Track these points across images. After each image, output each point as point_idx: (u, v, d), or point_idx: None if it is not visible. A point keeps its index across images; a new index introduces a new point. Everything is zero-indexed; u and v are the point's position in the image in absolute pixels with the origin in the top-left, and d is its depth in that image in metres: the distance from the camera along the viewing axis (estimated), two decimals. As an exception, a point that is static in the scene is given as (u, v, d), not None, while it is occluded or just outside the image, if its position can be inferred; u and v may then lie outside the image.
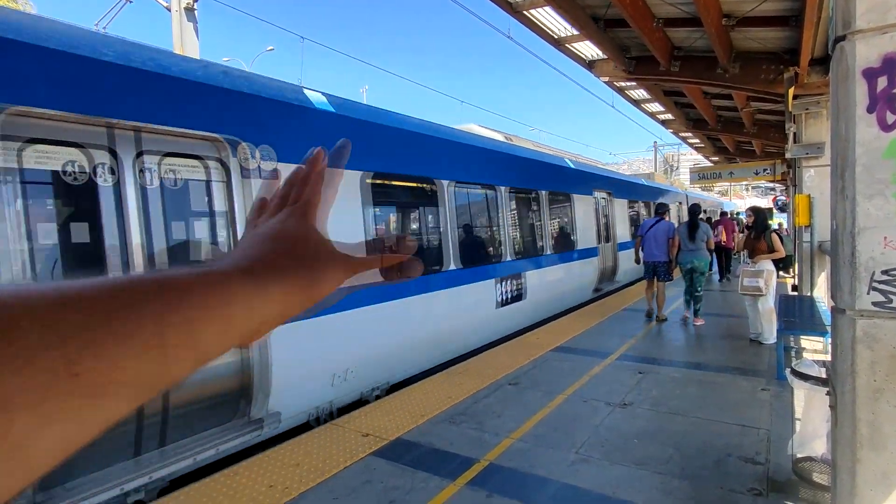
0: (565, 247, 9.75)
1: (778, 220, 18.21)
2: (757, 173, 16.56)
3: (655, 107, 13.65)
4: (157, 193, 3.48)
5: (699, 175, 17.98)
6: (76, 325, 0.26)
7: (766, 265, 6.62)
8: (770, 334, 6.43)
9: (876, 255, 2.00)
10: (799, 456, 3.08)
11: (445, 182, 6.46)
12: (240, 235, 2.38)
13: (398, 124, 6.00)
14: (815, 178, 8.07)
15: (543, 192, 9.00)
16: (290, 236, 0.43)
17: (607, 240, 11.86)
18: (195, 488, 3.24)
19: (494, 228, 7.67)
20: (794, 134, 8.23)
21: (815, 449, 3.02)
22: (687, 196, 16.83)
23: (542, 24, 7.74)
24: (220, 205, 3.85)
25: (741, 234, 11.77)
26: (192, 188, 3.75)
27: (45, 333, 0.25)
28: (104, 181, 3.23)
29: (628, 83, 10.74)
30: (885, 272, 1.99)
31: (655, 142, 37.98)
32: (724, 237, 13.13)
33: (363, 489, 3.20)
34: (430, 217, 6.45)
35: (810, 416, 3.02)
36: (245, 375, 3.87)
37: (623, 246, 12.48)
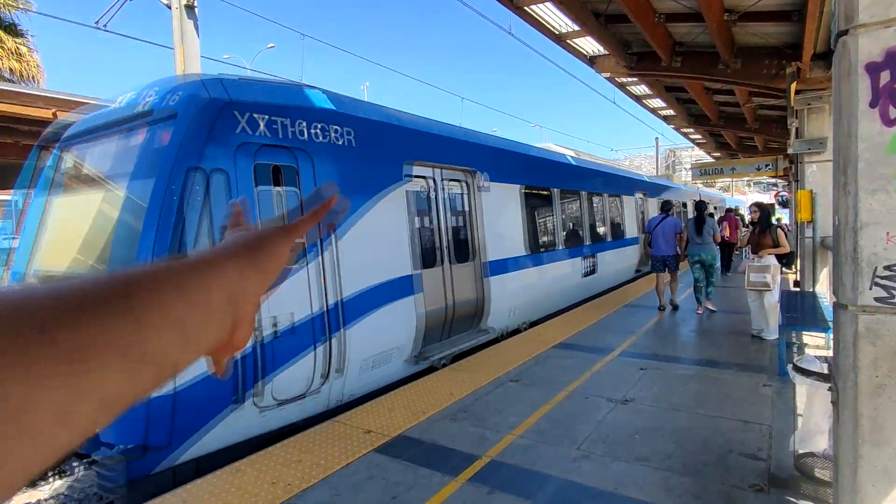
0: (619, 236, 12.46)
1: (778, 216, 18.33)
2: (759, 169, 16.51)
3: (657, 102, 13.61)
4: (447, 197, 6.67)
5: (701, 171, 17.93)
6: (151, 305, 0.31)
7: (772, 260, 6.62)
8: (773, 330, 6.43)
9: (878, 251, 2.00)
10: (801, 452, 3.08)
11: (556, 190, 9.40)
12: (477, 225, 7.01)
13: (536, 153, 9.42)
14: (818, 174, 8.04)
15: (606, 195, 11.87)
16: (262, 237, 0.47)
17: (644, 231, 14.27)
18: (198, 485, 3.25)
19: (581, 222, 10.44)
20: (797, 129, 8.20)
21: (817, 444, 3.02)
22: (700, 194, 18.97)
23: (543, 19, 7.71)
24: (469, 203, 7.06)
25: (745, 230, 11.78)
26: (460, 195, 6.99)
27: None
28: (432, 192, 6.39)
29: (630, 79, 10.71)
30: (887, 268, 1.99)
31: (657, 138, 37.87)
32: (727, 232, 13.28)
33: (365, 485, 3.21)
34: (548, 214, 9.23)
35: (812, 411, 3.02)
36: (478, 307, 6.96)
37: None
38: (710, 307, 8.51)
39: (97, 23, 8.74)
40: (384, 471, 3.38)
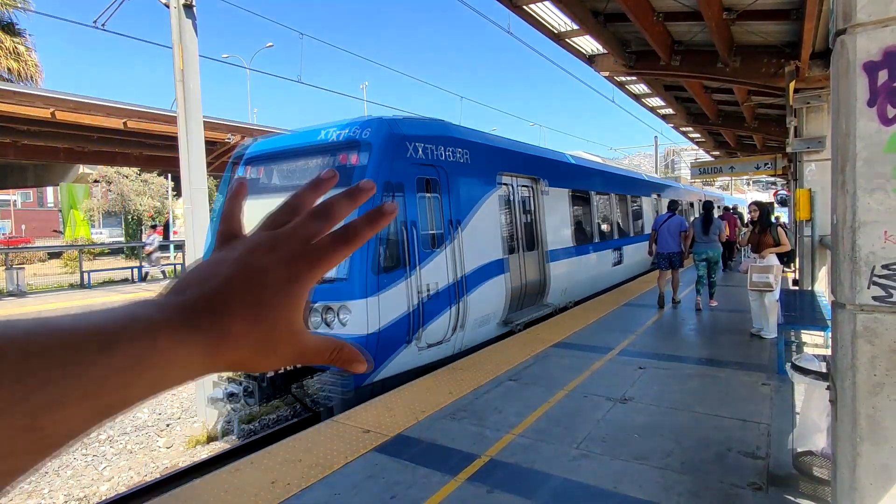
0: (639, 231, 14.06)
1: (776, 215, 18.55)
2: (758, 168, 16.52)
3: (656, 101, 13.60)
4: (521, 199, 8.39)
5: (700, 170, 17.94)
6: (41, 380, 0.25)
7: (773, 260, 6.63)
8: (772, 328, 6.44)
9: (876, 250, 2.00)
10: (799, 450, 3.09)
11: (592, 193, 11.09)
12: (540, 221, 8.99)
13: (577, 162, 11.20)
14: (816, 173, 8.05)
15: (629, 196, 13.67)
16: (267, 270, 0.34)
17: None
18: (197, 486, 3.26)
19: (611, 219, 12.21)
20: (795, 128, 8.20)
21: (816, 443, 3.02)
22: (704, 194, 21.27)
23: (542, 18, 7.71)
24: (534, 204, 8.72)
25: (745, 229, 11.82)
26: (528, 197, 8.63)
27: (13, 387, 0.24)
28: (512, 195, 8.03)
29: (628, 78, 10.70)
30: (885, 266, 1.99)
31: (656, 136, 37.87)
32: (727, 231, 13.33)
33: (364, 485, 3.21)
34: (587, 213, 10.89)
35: (810, 410, 3.02)
36: (541, 286, 8.54)
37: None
38: (713, 304, 8.89)
39: (95, 22, 8.73)
40: (383, 470, 3.39)
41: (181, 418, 7.98)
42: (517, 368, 5.56)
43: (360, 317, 5.14)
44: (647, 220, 14.61)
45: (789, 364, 3.16)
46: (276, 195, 6.00)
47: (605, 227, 11.85)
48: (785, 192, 25.34)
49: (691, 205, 18.90)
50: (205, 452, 6.57)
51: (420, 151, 6.08)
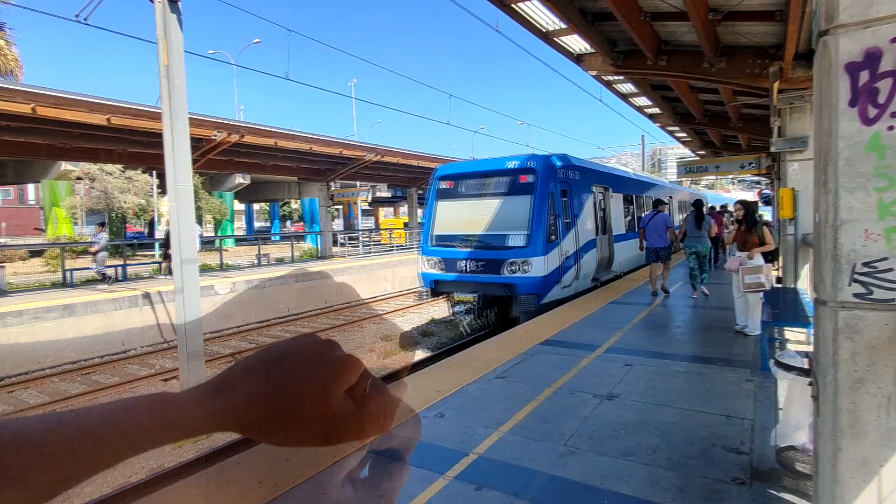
0: None
1: (760, 213, 19.28)
2: (742, 167, 16.71)
3: (643, 101, 13.69)
4: (601, 201, 12.40)
5: (686, 169, 18.10)
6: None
7: (759, 259, 6.72)
8: (756, 325, 6.53)
9: (857, 248, 2.03)
10: (782, 445, 3.13)
11: (634, 195, 15.51)
12: (609, 215, 13.80)
13: (626, 175, 15.74)
14: (799, 172, 8.18)
15: (652, 197, 15.85)
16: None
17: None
18: (183, 488, 3.22)
19: (639, 215, 14.97)
20: (779, 128, 8.31)
21: (798, 438, 3.07)
22: (704, 196, 25.12)
23: (530, 17, 7.72)
24: (605, 204, 12.69)
25: (731, 227, 12.03)
26: (603, 199, 12.55)
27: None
28: (596, 198, 11.97)
29: (616, 77, 10.77)
30: (865, 264, 2.02)
31: (643, 136, 38.20)
32: (715, 228, 13.83)
33: (352, 482, 3.20)
34: (632, 209, 15.30)
35: (793, 406, 3.07)
36: (610, 258, 12.75)
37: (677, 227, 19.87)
38: (705, 291, 9.85)
39: (77, 16, 8.58)
40: (371, 468, 3.37)
41: (166, 418, 7.89)
42: (505, 366, 5.57)
43: (539, 267, 9.31)
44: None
45: (773, 361, 3.21)
46: (470, 200, 10.71)
47: (638, 220, 14.96)
48: (769, 192, 26.18)
49: (657, 200, 23.23)
50: (192, 453, 6.51)
51: (559, 174, 10.21)
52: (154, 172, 26.94)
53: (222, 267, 19.98)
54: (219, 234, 38.71)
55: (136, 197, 29.24)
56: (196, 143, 15.74)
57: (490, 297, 10.24)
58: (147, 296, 12.70)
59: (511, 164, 10.14)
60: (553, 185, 9.76)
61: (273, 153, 19.41)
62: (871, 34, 1.99)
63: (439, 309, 16.66)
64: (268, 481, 3.21)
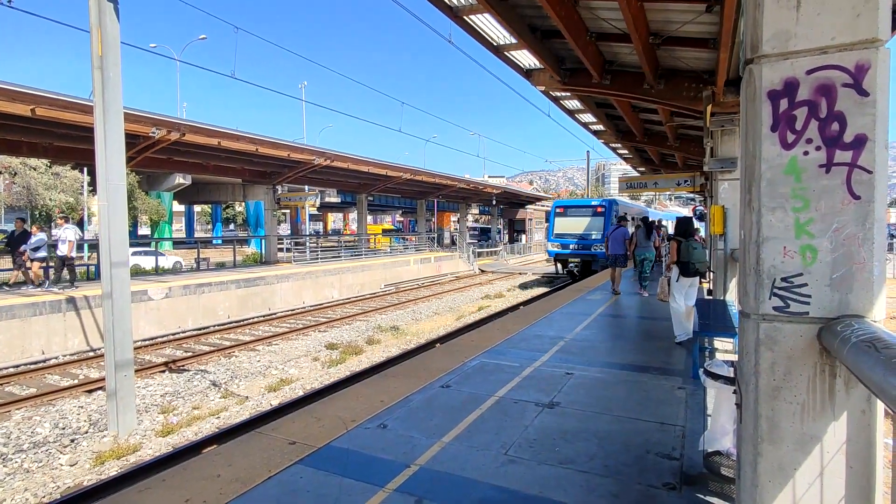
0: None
1: (693, 227, 21.74)
2: (679, 184, 17.65)
3: (588, 117, 14.20)
4: (634, 224, 17.41)
5: (627, 184, 18.90)
6: None
7: (674, 272, 7.13)
8: (679, 332, 7.03)
9: (777, 264, 2.17)
10: (709, 451, 3.28)
11: (636, 216, 22.94)
12: (636, 233, 15.00)
13: (637, 206, 32.46)
14: (729, 191, 8.70)
15: (655, 219, 20.32)
16: None
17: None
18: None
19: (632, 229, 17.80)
20: (712, 148, 8.82)
21: (724, 444, 3.23)
22: (665, 217, 31.72)
23: (482, 30, 7.84)
24: (633, 226, 15.86)
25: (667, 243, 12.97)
26: (630, 223, 15.26)
27: None
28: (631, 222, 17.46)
29: (563, 93, 11.11)
30: (784, 279, 2.16)
31: (588, 151, 39.65)
32: (658, 241, 15.55)
33: (288, 500, 3.08)
34: (634, 223, 17.49)
35: (720, 413, 3.23)
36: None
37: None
38: (646, 294, 11.77)
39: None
40: (309, 483, 3.26)
41: (88, 433, 7.36)
42: (450, 375, 5.57)
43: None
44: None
45: (702, 369, 3.36)
46: (574, 218, 22.90)
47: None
48: (702, 208, 28.55)
49: (620, 217, 27.73)
50: (114, 469, 6.09)
51: (613, 209, 22.24)
52: (85, 169, 25.29)
53: (157, 271, 18.98)
54: (155, 236, 36.80)
55: (64, 195, 27.35)
56: (132, 139, 14.94)
57: (583, 262, 21.72)
58: (72, 300, 11.86)
59: (594, 202, 23.83)
60: (612, 214, 21.38)
61: (216, 153, 18.70)
62: (789, 65, 2.14)
63: (387, 317, 16.49)
64: (195, 499, 3.04)
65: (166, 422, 8.04)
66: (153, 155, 17.02)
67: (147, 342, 12.70)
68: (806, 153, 2.12)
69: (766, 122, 2.18)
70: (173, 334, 13.90)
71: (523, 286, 24.79)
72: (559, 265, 23.46)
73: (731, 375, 3.19)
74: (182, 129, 15.26)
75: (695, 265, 6.82)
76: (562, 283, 21.72)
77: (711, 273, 11.35)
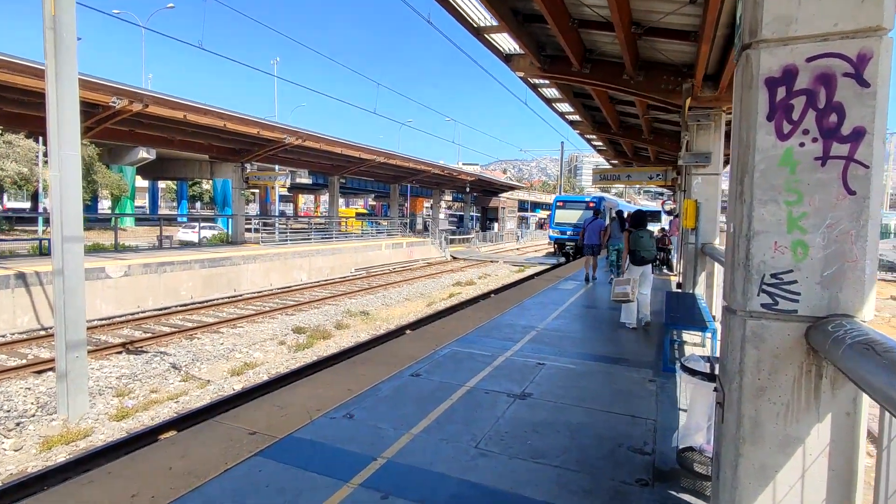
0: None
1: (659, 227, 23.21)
2: (651, 178, 17.81)
3: (565, 107, 14.13)
4: (611, 212, 23.16)
5: (600, 176, 19.00)
6: None
7: (632, 272, 7.39)
8: (626, 318, 7.58)
9: (767, 259, 2.08)
10: (682, 447, 3.24)
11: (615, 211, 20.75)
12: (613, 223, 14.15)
13: (616, 201, 33.74)
14: (702, 185, 8.76)
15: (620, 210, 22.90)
16: None
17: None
18: (42, 498, 2.75)
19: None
20: (688, 142, 8.85)
21: (697, 440, 3.19)
22: (643, 208, 34.54)
23: (462, 9, 7.61)
24: (610, 217, 17.25)
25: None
26: (610, 211, 23.45)
27: None
28: (609, 212, 24.17)
29: (542, 81, 10.98)
30: (773, 275, 2.08)
31: (563, 142, 39.85)
32: None
33: (245, 494, 2.90)
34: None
35: (695, 409, 3.19)
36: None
37: None
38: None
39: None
40: (269, 477, 3.09)
41: (36, 416, 6.97)
42: (421, 363, 5.44)
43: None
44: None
45: (679, 364, 3.31)
46: (570, 210, 27.80)
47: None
48: (672, 203, 30.05)
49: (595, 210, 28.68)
50: (62, 455, 5.77)
51: (602, 203, 25.46)
52: (40, 139, 23.97)
53: (117, 248, 18.20)
54: (117, 211, 35.33)
55: (17, 164, 25.92)
56: (90, 108, 14.15)
57: (576, 245, 21.23)
58: (21, 276, 11.22)
59: (587, 199, 28.36)
60: (602, 208, 22.53)
61: (182, 127, 17.95)
62: (789, 52, 2.03)
63: (356, 301, 16.25)
64: (143, 494, 2.83)
65: (121, 405, 7.70)
66: (114, 126, 16.21)
67: (104, 322, 12.16)
68: (802, 144, 2.03)
69: (762, 111, 2.08)
70: (132, 314, 13.36)
71: (495, 274, 24.84)
72: (557, 247, 29.11)
73: (708, 371, 3.15)
74: (145, 99, 14.53)
75: (640, 253, 7.33)
76: (534, 273, 22.07)
77: (679, 266, 11.94)
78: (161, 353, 10.31)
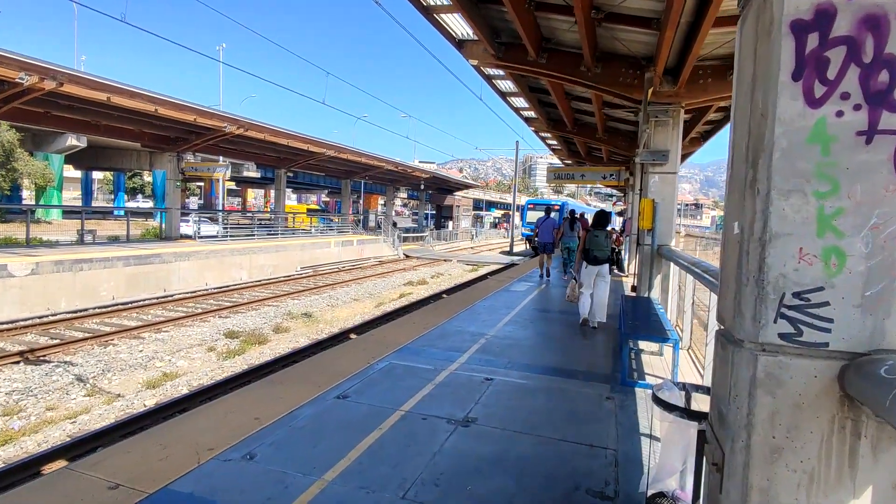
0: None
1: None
2: (604, 178, 17.69)
3: (521, 102, 13.67)
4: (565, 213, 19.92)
5: (555, 175, 18.74)
6: None
7: (585, 272, 7.39)
8: (582, 310, 7.52)
9: (788, 272, 1.50)
10: (652, 492, 2.68)
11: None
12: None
13: (566, 202, 33.33)
14: (659, 184, 8.41)
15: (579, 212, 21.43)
16: None
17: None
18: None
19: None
20: (648, 136, 8.48)
21: (670, 485, 2.64)
22: (588, 210, 33.82)
23: (410, -15, 6.91)
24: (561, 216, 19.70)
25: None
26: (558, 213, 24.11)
27: None
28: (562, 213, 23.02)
29: (496, 71, 10.43)
30: (797, 295, 1.49)
31: (517, 141, 39.66)
32: (582, 231, 16.34)
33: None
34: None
35: (669, 448, 2.62)
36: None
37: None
38: (566, 278, 12.49)
39: None
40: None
41: None
42: (351, 381, 4.69)
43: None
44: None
45: (651, 394, 2.73)
46: (538, 212, 20.22)
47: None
48: (622, 204, 32.00)
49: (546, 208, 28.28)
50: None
51: (566, 208, 24.49)
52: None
53: (29, 243, 16.40)
54: (42, 202, 32.45)
55: None
56: (-8, 84, 12.55)
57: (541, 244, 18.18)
58: None
59: (553, 202, 29.26)
60: (564, 211, 22.11)
61: (108, 111, 16.37)
62: (823, -13, 1.45)
63: (300, 302, 15.23)
64: None
65: (6, 427, 6.58)
66: (24, 106, 14.55)
67: (4, 326, 10.72)
68: (840, 114, 1.45)
69: (787, 67, 1.49)
70: (40, 318, 11.90)
71: (448, 273, 24.25)
72: (527, 241, 31.43)
73: (683, 403, 2.59)
74: (59, 77, 13.01)
75: (594, 252, 7.35)
76: (487, 272, 21.80)
77: (630, 268, 11.94)
78: (66, 362, 9.09)
